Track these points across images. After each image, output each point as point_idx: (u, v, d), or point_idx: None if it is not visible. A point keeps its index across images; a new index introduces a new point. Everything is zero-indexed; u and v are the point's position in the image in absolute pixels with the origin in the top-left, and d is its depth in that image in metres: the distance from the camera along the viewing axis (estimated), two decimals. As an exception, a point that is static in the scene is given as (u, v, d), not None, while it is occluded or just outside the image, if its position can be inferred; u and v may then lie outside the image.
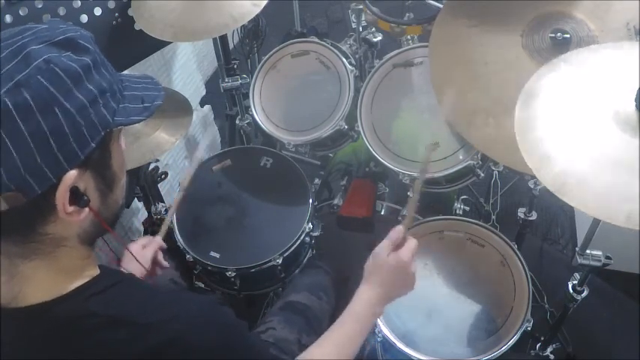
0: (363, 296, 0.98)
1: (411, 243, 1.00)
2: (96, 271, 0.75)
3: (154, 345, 0.69)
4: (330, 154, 1.77)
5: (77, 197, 0.66)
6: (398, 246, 1.00)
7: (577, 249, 1.24)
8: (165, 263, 1.23)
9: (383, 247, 1.00)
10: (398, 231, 1.01)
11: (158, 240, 1.23)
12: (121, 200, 0.78)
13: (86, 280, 0.72)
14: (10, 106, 0.58)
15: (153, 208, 1.61)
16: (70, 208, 0.66)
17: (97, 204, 0.71)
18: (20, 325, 0.69)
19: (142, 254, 1.17)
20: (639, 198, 0.77)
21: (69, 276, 0.71)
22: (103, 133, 0.67)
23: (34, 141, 0.60)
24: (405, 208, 1.50)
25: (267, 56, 1.62)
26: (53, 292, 0.69)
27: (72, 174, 0.64)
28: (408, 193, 1.45)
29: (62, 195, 0.64)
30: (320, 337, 0.96)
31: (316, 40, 1.58)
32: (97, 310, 0.69)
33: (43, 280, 0.69)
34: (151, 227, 1.64)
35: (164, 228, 1.29)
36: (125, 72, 0.76)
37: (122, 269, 1.05)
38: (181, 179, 1.37)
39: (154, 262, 1.20)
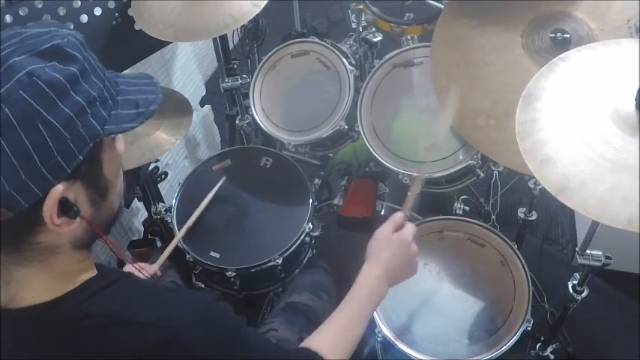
0: (367, 276, 0.99)
1: (411, 226, 1.03)
2: (93, 273, 0.74)
3: (151, 344, 0.69)
4: (330, 154, 1.76)
5: (67, 208, 0.65)
6: (398, 228, 1.02)
7: (577, 249, 1.24)
8: None
9: (386, 227, 1.02)
10: (399, 216, 1.03)
11: (154, 268, 1.24)
12: (116, 206, 0.76)
13: (82, 282, 0.71)
14: None
15: (153, 208, 1.62)
16: (59, 220, 0.64)
17: (89, 212, 0.69)
18: (17, 326, 0.69)
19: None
20: (640, 200, 0.77)
21: (65, 279, 0.70)
22: (91, 144, 0.65)
23: (17, 157, 0.58)
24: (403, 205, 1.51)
25: (267, 56, 1.61)
26: (50, 295, 0.69)
27: (59, 188, 0.62)
28: (408, 193, 1.45)
29: (49, 208, 0.63)
30: (326, 320, 0.96)
31: (316, 40, 1.58)
32: (93, 310, 0.68)
33: (38, 285, 0.69)
34: (151, 227, 1.64)
35: (163, 257, 1.29)
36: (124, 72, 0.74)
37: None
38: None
39: None
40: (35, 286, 0.69)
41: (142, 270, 1.17)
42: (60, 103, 0.61)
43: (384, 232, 1.02)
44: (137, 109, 0.70)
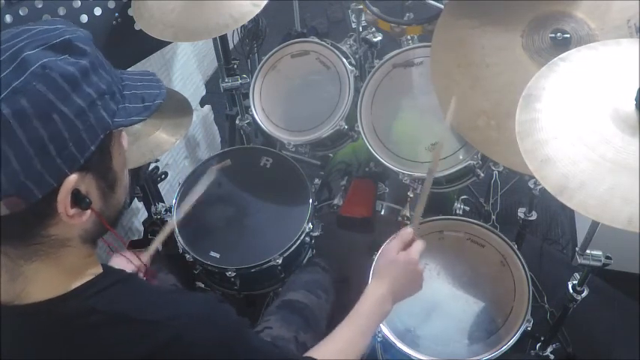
0: (373, 293, 1.00)
1: (419, 243, 1.03)
2: (99, 270, 0.75)
3: (155, 343, 0.69)
4: (330, 154, 1.76)
5: (79, 200, 0.66)
6: (406, 245, 1.02)
7: (577, 249, 1.24)
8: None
9: (393, 246, 1.02)
10: (408, 232, 1.04)
11: (144, 258, 1.22)
12: (123, 200, 0.77)
13: (89, 278, 0.72)
14: (8, 114, 0.58)
15: (153, 208, 1.62)
16: (72, 211, 0.65)
17: (99, 205, 0.71)
18: (23, 322, 0.70)
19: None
20: (640, 200, 0.77)
21: (72, 275, 0.71)
22: (102, 136, 0.66)
23: (33, 147, 0.60)
24: (405, 208, 1.50)
25: (267, 56, 1.61)
26: (56, 291, 0.69)
27: (72, 178, 0.64)
28: (408, 193, 1.45)
29: (63, 199, 0.64)
30: (330, 334, 0.97)
31: (316, 40, 1.58)
32: (99, 307, 0.69)
33: (46, 280, 0.69)
34: (151, 227, 1.64)
35: (153, 247, 1.28)
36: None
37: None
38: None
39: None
40: (43, 281, 0.69)
41: (133, 258, 1.16)
42: (73, 95, 0.62)
43: (391, 251, 1.02)
44: (144, 103, 0.72)
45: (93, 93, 0.64)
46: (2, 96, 0.58)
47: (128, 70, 0.77)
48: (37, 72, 0.60)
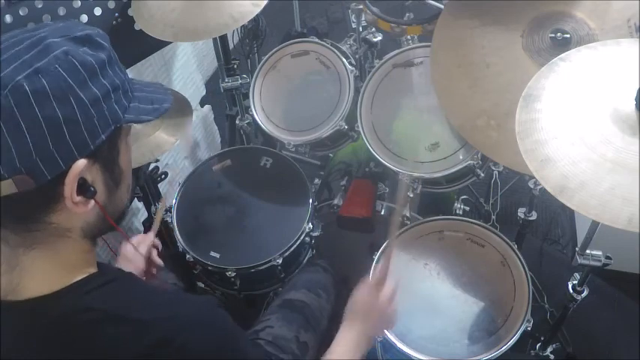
0: (345, 336, 1.02)
1: (390, 284, 1.04)
2: (95, 268, 0.75)
3: (148, 343, 0.69)
4: (330, 154, 1.77)
5: (84, 188, 0.68)
6: (379, 284, 1.03)
7: (577, 249, 1.24)
8: (160, 261, 1.23)
9: (363, 289, 1.04)
10: (379, 271, 1.05)
11: (150, 237, 1.24)
12: (125, 199, 0.79)
13: (85, 275, 0.72)
14: (28, 91, 0.60)
15: (153, 208, 1.62)
16: (77, 198, 0.67)
17: (102, 198, 0.72)
18: (18, 318, 0.70)
19: (135, 254, 1.17)
20: (640, 200, 0.77)
21: (68, 270, 0.71)
22: (113, 127, 0.69)
23: (48, 126, 0.62)
24: (405, 208, 1.50)
25: (267, 56, 1.62)
26: (52, 286, 0.69)
27: (81, 163, 0.66)
28: (408, 193, 1.45)
29: (71, 183, 0.66)
30: None
31: (316, 40, 1.58)
32: (94, 305, 0.69)
33: (42, 273, 0.70)
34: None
35: (156, 224, 1.29)
36: (131, 77, 0.77)
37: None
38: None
39: (149, 261, 1.20)
40: (39, 273, 0.69)
41: (140, 244, 1.19)
42: (90, 83, 0.66)
43: (361, 294, 1.04)
44: (152, 105, 0.76)
45: (108, 85, 0.68)
46: (24, 74, 0.61)
47: (136, 79, 0.79)
48: (59, 56, 0.63)
